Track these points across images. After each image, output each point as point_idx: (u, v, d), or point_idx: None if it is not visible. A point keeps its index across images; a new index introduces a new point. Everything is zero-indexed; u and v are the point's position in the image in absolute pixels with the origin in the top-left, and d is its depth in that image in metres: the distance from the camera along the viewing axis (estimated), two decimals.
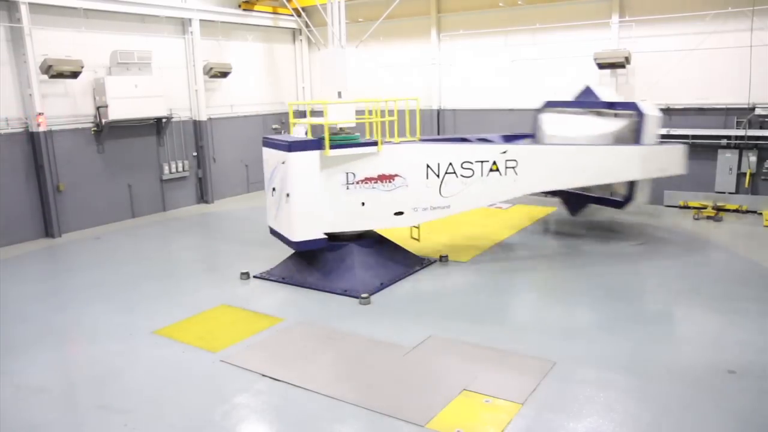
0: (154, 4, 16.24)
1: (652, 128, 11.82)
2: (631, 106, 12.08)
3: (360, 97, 11.42)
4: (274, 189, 10.32)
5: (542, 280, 10.41)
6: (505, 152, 10.65)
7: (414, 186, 10.28)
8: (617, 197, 12.48)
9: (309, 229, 9.93)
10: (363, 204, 10.10)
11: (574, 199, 13.75)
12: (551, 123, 13.43)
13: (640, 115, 11.72)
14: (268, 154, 10.49)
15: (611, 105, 12.63)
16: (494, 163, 10.57)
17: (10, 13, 13.44)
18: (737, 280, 10.20)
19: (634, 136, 11.82)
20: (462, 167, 10.46)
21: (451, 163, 10.40)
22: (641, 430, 5.86)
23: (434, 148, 10.50)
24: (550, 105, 14.09)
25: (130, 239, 14.18)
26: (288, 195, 9.84)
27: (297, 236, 9.92)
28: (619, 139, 12.03)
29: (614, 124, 12.24)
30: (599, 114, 12.81)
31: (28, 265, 12.25)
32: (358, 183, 10.02)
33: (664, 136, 15.62)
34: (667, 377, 6.83)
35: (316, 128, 11.47)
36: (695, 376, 6.86)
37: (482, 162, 10.53)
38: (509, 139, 13.40)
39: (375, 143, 10.01)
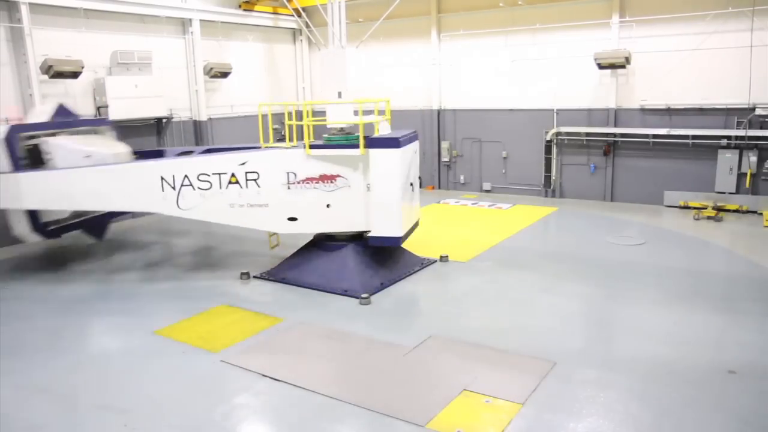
0: (155, 5, 16.25)
1: None
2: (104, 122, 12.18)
3: (359, 97, 11.42)
4: (411, 185, 10.57)
5: (542, 280, 10.39)
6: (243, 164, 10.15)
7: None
8: None
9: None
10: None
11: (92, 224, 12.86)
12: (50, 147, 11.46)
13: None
14: (406, 151, 10.10)
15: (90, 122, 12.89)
16: (233, 175, 10.14)
17: (10, 13, 13.45)
18: (737, 280, 10.20)
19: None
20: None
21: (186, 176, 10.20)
22: (641, 430, 5.86)
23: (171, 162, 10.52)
24: (18, 129, 11.22)
25: (130, 239, 14.18)
26: (420, 179, 10.70)
27: (399, 231, 10.25)
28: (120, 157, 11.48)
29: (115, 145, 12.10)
30: (76, 132, 12.36)
31: (27, 265, 12.25)
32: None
33: (664, 136, 15.68)
34: (668, 377, 6.82)
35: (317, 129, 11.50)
36: (695, 376, 6.85)
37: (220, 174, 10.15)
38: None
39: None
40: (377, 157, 9.80)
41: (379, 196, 9.93)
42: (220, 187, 10.17)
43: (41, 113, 12.12)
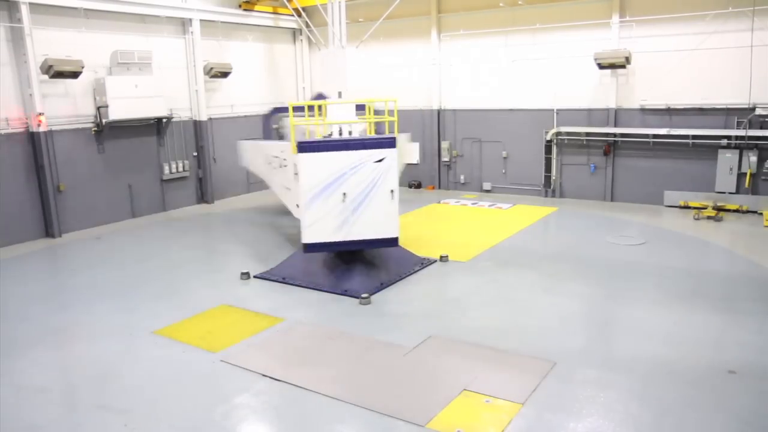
0: (155, 4, 16.25)
1: None
2: None
3: (359, 97, 11.42)
4: (345, 194, 9.72)
5: (542, 280, 10.39)
6: None
7: None
8: None
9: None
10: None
11: None
12: None
13: None
14: (324, 157, 9.67)
15: None
16: None
17: (10, 13, 13.45)
18: (737, 280, 10.20)
19: None
20: None
21: None
22: (641, 430, 5.86)
23: None
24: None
25: (130, 239, 14.19)
26: (392, 191, 9.79)
27: (396, 231, 10.00)
28: None
29: None
30: None
31: (28, 265, 12.25)
32: None
33: (664, 136, 15.68)
34: (668, 377, 6.82)
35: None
36: (695, 376, 6.85)
37: None
38: None
39: None
40: (299, 159, 9.68)
41: (377, 199, 9.88)
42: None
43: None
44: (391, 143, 9.71)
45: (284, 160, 11.56)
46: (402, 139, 12.64)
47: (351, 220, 9.76)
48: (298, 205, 10.63)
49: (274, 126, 16.30)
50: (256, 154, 14.01)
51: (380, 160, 9.71)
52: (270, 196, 14.20)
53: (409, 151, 15.15)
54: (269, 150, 12.75)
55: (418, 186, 20.06)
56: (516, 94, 17.98)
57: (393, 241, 10.11)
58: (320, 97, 12.96)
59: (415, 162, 17.50)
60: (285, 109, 14.81)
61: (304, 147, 9.56)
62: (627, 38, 15.91)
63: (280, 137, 14.70)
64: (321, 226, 9.71)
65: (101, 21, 15.28)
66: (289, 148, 10.73)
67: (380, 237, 9.98)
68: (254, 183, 19.82)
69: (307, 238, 9.75)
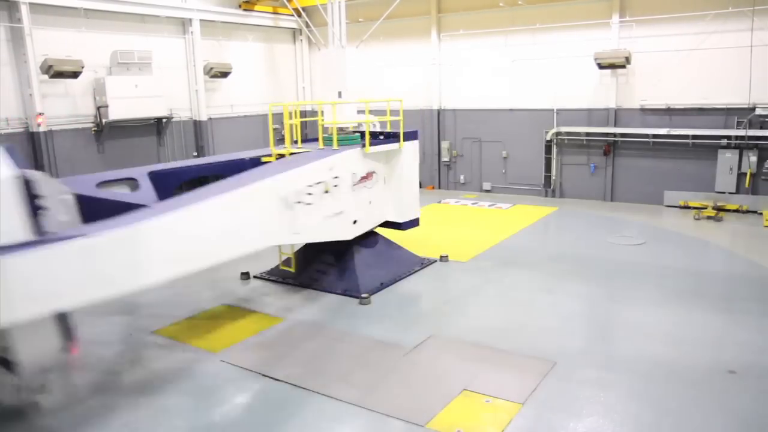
0: (155, 4, 16.25)
1: None
2: None
3: (359, 97, 11.42)
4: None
5: (543, 280, 10.39)
6: None
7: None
8: None
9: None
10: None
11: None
12: None
13: None
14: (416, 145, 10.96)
15: None
16: None
17: (10, 13, 13.45)
18: (737, 280, 10.20)
19: None
20: None
21: None
22: (641, 430, 5.86)
23: None
24: None
25: None
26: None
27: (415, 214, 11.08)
28: None
29: None
30: None
31: None
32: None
33: (664, 136, 15.68)
34: (668, 377, 6.82)
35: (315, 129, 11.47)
36: (696, 376, 6.85)
37: None
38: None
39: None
40: (409, 149, 10.62)
41: (408, 184, 10.79)
42: (320, 199, 8.79)
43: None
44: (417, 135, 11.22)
45: (335, 178, 9.20)
46: None
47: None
48: (355, 221, 9.71)
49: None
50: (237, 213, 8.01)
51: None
52: None
53: None
54: (298, 181, 8.53)
55: (418, 186, 20.02)
56: (516, 94, 17.98)
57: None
58: (10, 149, 9.79)
59: None
60: None
61: (412, 135, 10.75)
62: (627, 38, 15.90)
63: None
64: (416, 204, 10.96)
65: (101, 21, 15.29)
66: (344, 159, 9.39)
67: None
68: None
69: (417, 213, 11.07)
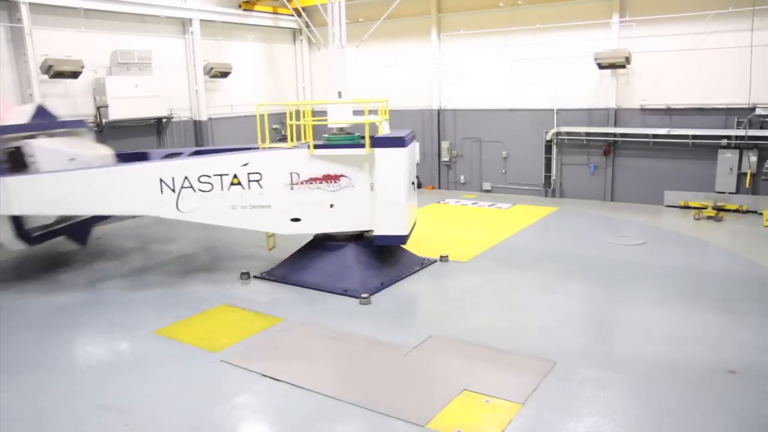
0: (155, 4, 16.25)
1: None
2: (79, 123, 11.84)
3: (358, 97, 11.41)
4: (413, 183, 10.81)
5: (543, 280, 10.39)
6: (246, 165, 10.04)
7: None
8: None
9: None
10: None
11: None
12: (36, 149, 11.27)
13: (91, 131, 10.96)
14: (409, 150, 10.20)
15: (64, 124, 12.07)
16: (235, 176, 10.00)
17: (10, 13, 13.46)
18: (738, 280, 10.21)
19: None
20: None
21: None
22: (642, 430, 5.86)
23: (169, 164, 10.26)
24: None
25: (130, 239, 14.19)
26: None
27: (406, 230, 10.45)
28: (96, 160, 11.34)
29: (94, 147, 12.04)
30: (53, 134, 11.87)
31: (27, 264, 12.25)
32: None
33: (664, 136, 15.68)
34: (668, 377, 6.82)
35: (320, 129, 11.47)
36: (696, 376, 6.85)
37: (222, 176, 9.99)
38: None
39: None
40: (383, 156, 9.81)
41: (384, 195, 9.92)
42: (222, 189, 9.97)
43: (20, 114, 11.59)
44: (415, 136, 10.95)
45: (254, 173, 10.07)
46: None
47: (413, 210, 10.69)
48: (297, 219, 10.28)
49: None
50: (106, 183, 10.25)
51: (416, 151, 11.14)
52: None
53: None
54: (192, 170, 10.01)
55: (418, 186, 20.01)
56: (516, 94, 17.98)
57: (414, 225, 11.04)
58: (41, 110, 11.69)
59: None
60: (4, 130, 11.06)
61: (398, 142, 9.81)
62: (627, 38, 15.91)
63: (22, 166, 10.85)
64: (407, 217, 10.20)
65: (101, 21, 15.29)
66: (274, 158, 10.12)
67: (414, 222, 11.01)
68: None
69: (404, 229, 10.14)
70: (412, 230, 10.75)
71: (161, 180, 9.95)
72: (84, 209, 10.80)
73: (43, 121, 11.66)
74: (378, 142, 9.82)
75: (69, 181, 10.17)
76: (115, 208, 10.69)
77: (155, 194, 9.96)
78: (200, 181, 10.01)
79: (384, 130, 10.38)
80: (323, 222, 10.29)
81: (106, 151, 11.83)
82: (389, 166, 9.84)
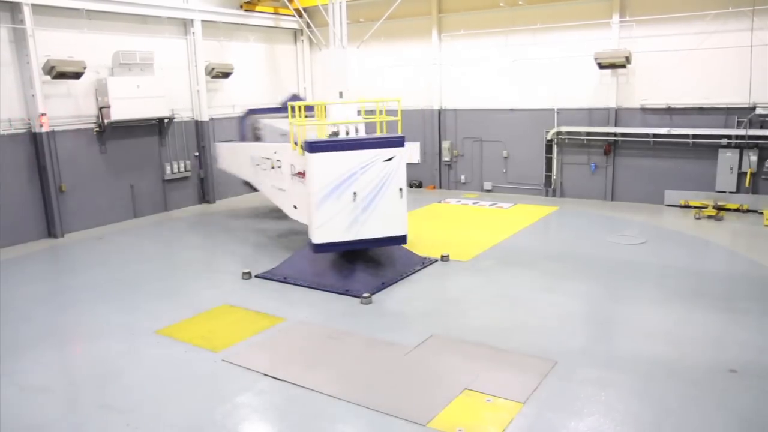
0: (156, 5, 16.28)
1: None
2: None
3: (360, 97, 11.44)
4: (355, 193, 9.75)
5: (543, 280, 10.42)
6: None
7: None
8: None
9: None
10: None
11: None
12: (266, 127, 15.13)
13: None
14: (334, 157, 9.68)
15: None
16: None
17: (13, 14, 13.49)
18: (738, 279, 10.22)
19: None
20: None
21: None
22: (642, 429, 5.88)
23: None
24: (252, 112, 15.98)
25: (132, 239, 14.22)
26: (401, 189, 9.96)
27: (404, 228, 10.16)
28: None
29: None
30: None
31: (30, 265, 12.29)
32: None
33: (665, 136, 15.69)
34: (668, 376, 6.84)
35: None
36: (696, 375, 6.87)
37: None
38: None
39: None
40: (309, 159, 9.70)
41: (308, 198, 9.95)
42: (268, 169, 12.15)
43: (277, 100, 16.70)
44: (400, 142, 9.95)
45: (278, 161, 11.64)
46: None
47: (361, 219, 9.87)
48: (295, 206, 11.10)
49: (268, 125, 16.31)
50: (238, 156, 14.38)
51: (389, 159, 9.85)
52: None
53: None
54: (258, 151, 12.87)
55: (419, 186, 20.08)
56: (517, 94, 17.99)
57: (401, 239, 10.24)
58: (295, 98, 13.39)
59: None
60: (261, 111, 15.77)
61: (315, 147, 9.60)
62: (627, 38, 15.92)
63: (257, 138, 15.06)
64: (331, 226, 9.78)
65: (103, 22, 15.32)
66: (284, 149, 11.26)
67: (389, 235, 10.11)
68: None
69: (318, 238, 9.80)
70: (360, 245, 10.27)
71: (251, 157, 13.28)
72: (243, 174, 14.44)
73: (284, 105, 14.19)
74: (309, 146, 9.69)
75: (237, 150, 14.45)
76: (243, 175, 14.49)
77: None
78: (261, 161, 12.69)
79: (355, 132, 10.41)
80: (304, 214, 10.94)
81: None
82: (308, 170, 9.81)
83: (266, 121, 14.84)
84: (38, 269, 12.07)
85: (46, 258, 12.97)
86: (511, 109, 18.17)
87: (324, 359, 7.66)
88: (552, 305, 9.26)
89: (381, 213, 9.90)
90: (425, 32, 19.22)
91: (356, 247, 10.14)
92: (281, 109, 14.83)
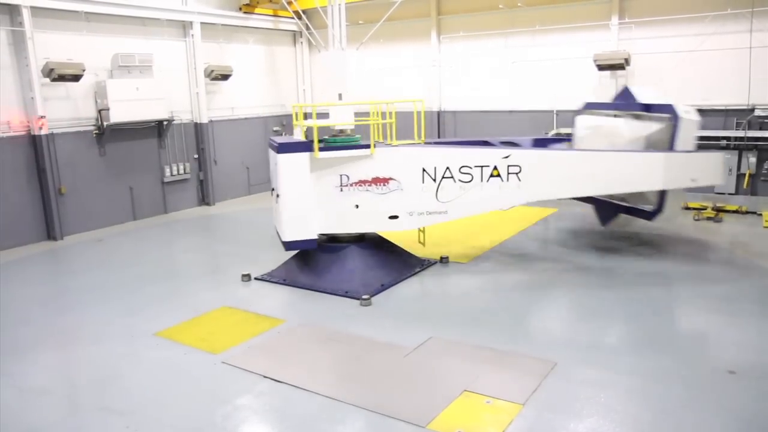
0: (156, 8, 16.31)
1: (687, 133, 10.69)
2: (667, 108, 10.95)
3: (360, 99, 11.45)
4: (273, 190, 10.45)
5: (543, 281, 10.42)
6: (507, 157, 10.23)
7: (409, 190, 10.14)
8: (646, 207, 11.40)
9: (299, 230, 9.99)
10: (357, 206, 10.08)
11: (603, 207, 12.80)
12: (584, 126, 12.91)
13: (675, 118, 10.63)
14: (270, 155, 10.66)
15: (646, 107, 11.61)
16: (495, 168, 10.22)
17: (12, 16, 13.50)
18: (737, 280, 10.22)
19: (668, 140, 10.72)
20: (460, 172, 10.19)
21: (448, 168, 10.16)
22: (642, 430, 5.88)
23: (430, 152, 10.28)
24: (589, 107, 13.24)
25: (131, 242, 14.22)
26: (278, 195, 10.02)
27: (287, 236, 10.02)
28: (652, 144, 11.13)
29: (647, 128, 11.35)
30: (636, 117, 11.88)
31: (30, 267, 12.29)
32: (351, 185, 10.02)
33: None
34: (668, 377, 6.85)
35: (321, 130, 11.50)
36: (695, 376, 6.88)
37: (482, 167, 10.20)
38: (540, 143, 13.02)
39: (367, 146, 9.99)
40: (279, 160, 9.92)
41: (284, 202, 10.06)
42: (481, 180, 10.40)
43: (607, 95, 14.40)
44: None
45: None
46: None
47: None
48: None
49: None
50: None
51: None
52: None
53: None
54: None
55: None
56: (516, 96, 18.01)
57: None
58: (627, 92, 12.12)
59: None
60: (596, 106, 13.15)
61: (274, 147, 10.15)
62: (626, 39, 15.95)
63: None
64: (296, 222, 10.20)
65: (102, 24, 15.33)
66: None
67: None
68: (255, 185, 19.89)
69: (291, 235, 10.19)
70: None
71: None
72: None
73: (624, 102, 12.31)
74: (277, 146, 9.89)
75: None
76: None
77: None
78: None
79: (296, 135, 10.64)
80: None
81: (648, 133, 11.44)
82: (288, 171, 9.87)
83: (579, 118, 13.03)
84: (38, 271, 12.07)
85: (45, 260, 12.97)
86: (511, 111, 18.19)
87: (324, 361, 7.66)
88: (551, 306, 9.27)
89: None
90: (424, 34, 19.25)
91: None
92: (611, 105, 12.77)
